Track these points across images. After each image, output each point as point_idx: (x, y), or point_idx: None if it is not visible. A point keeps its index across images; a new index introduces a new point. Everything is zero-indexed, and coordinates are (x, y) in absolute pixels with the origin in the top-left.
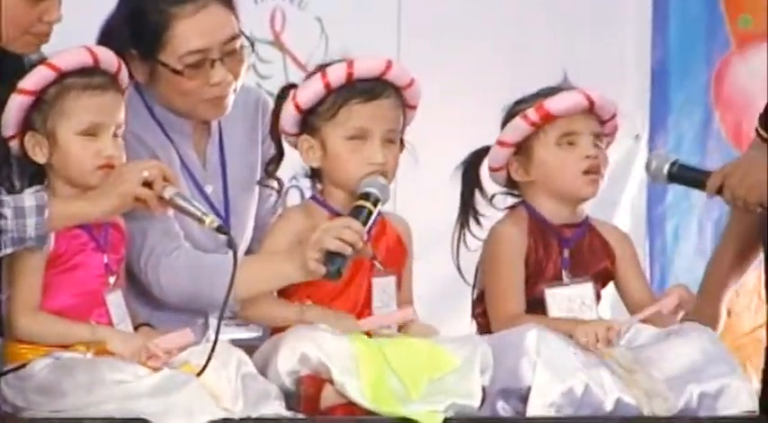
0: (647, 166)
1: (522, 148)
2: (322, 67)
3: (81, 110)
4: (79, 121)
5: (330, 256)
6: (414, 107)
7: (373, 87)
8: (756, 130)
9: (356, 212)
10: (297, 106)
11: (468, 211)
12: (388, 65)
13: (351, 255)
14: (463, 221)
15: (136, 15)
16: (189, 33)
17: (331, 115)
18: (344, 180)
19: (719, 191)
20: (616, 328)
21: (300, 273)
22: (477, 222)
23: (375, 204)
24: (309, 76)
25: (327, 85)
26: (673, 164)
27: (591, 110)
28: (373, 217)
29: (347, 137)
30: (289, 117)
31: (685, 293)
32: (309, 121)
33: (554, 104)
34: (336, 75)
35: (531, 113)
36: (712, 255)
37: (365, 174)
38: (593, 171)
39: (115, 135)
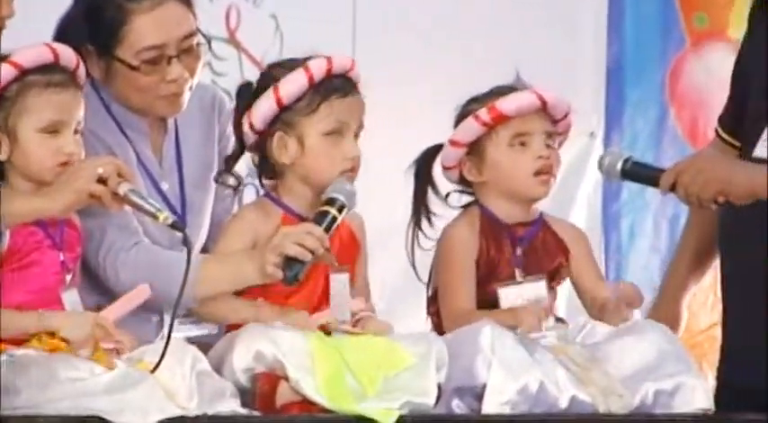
0: (600, 164)
1: (475, 148)
2: (276, 66)
3: (42, 107)
4: (40, 119)
5: (289, 262)
6: None
7: (345, 83)
8: (716, 130)
9: (320, 218)
10: (278, 101)
11: (420, 209)
12: (353, 62)
13: (310, 261)
14: (416, 220)
15: (93, 10)
16: (146, 29)
17: (311, 110)
18: (319, 176)
19: (673, 188)
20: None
21: (258, 275)
22: (429, 222)
23: (340, 211)
24: (265, 74)
25: (311, 79)
26: (626, 161)
27: (544, 109)
28: (336, 224)
29: (326, 132)
30: (265, 113)
31: (630, 289)
32: (284, 117)
33: (506, 105)
34: (318, 69)
35: (483, 114)
36: (672, 256)
37: (342, 170)
38: (545, 171)
39: (75, 132)
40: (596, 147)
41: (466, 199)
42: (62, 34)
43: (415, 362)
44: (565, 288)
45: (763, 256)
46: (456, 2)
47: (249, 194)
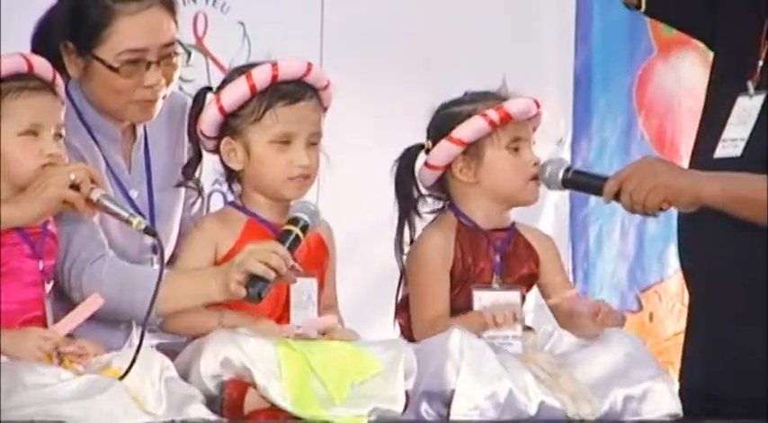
0: (542, 173)
1: (472, 149)
2: (240, 70)
3: (20, 111)
4: (20, 122)
5: (252, 280)
6: (326, 109)
7: (296, 90)
8: None
9: (284, 237)
10: (221, 109)
11: (409, 209)
12: (309, 67)
13: (273, 280)
14: (407, 220)
15: (78, 8)
16: (129, 32)
17: (255, 119)
18: (268, 184)
19: (617, 196)
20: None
21: (222, 292)
22: (416, 219)
23: (304, 230)
24: (226, 79)
25: (252, 88)
26: (567, 170)
27: (534, 117)
28: (301, 243)
29: (272, 140)
30: (211, 120)
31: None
32: (231, 124)
33: (514, 107)
34: (261, 77)
35: (492, 113)
36: None
37: (290, 176)
38: (537, 178)
39: (58, 136)
40: (564, 153)
41: (433, 203)
42: (43, 31)
43: (382, 369)
44: (532, 296)
45: (722, 265)
46: (423, 10)
47: (217, 202)
